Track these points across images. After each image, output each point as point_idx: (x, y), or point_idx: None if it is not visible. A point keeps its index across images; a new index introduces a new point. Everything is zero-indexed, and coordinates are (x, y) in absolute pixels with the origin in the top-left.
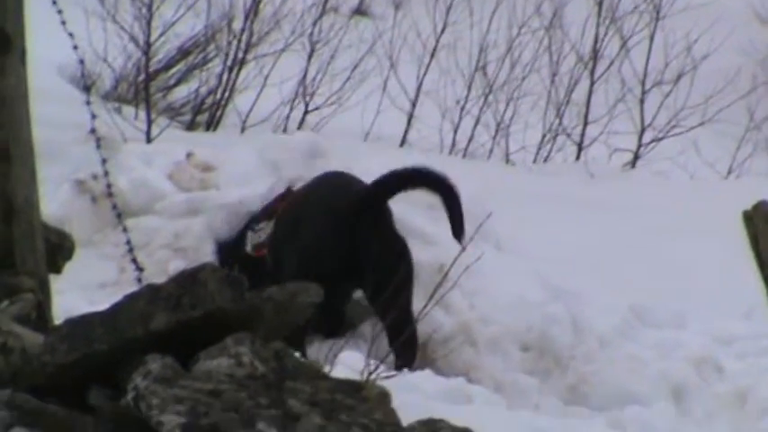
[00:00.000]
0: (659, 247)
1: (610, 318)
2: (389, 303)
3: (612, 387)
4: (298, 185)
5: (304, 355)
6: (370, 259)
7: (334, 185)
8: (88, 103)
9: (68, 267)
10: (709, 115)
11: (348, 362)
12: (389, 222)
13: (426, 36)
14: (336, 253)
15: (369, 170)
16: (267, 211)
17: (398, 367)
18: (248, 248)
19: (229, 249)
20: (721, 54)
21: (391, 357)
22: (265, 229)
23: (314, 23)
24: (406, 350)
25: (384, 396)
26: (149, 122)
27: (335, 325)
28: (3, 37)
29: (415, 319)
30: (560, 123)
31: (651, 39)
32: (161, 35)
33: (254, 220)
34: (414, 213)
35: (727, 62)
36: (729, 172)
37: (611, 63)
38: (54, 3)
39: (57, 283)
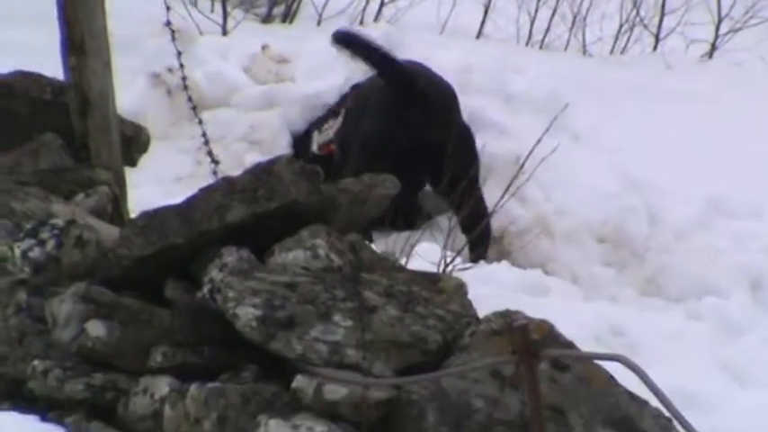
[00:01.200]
0: (737, 139)
1: (686, 209)
2: (463, 194)
3: (689, 278)
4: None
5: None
6: (442, 150)
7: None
8: None
9: (144, 160)
10: None
11: (424, 254)
12: (458, 114)
13: None
14: (402, 140)
15: (445, 62)
16: (333, 111)
17: (473, 260)
18: (314, 148)
19: (297, 149)
20: None
21: (467, 249)
22: (333, 127)
23: None
24: (480, 242)
25: (460, 287)
26: (225, 15)
27: (411, 217)
28: None
29: (488, 210)
30: (637, 14)
31: None
32: None
33: (319, 121)
34: (490, 106)
35: None
36: None
37: None
38: None
39: (132, 175)
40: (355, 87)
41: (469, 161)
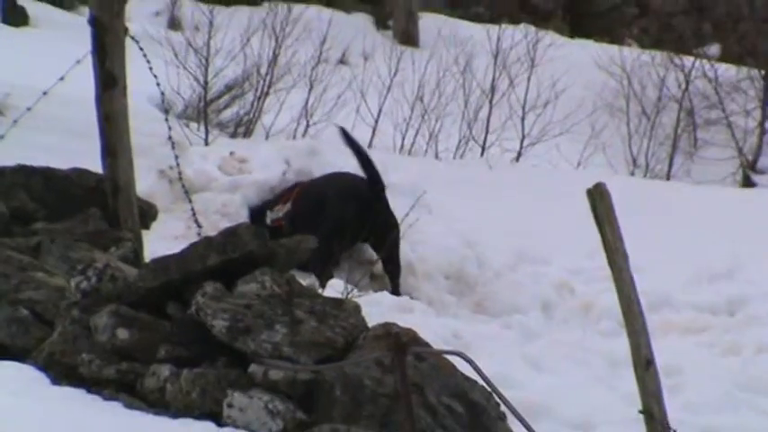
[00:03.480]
0: (535, 211)
1: (502, 257)
2: (388, 250)
3: (503, 302)
4: (302, 180)
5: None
6: (378, 225)
7: (348, 180)
8: (166, 120)
9: (154, 225)
10: (566, 128)
11: (334, 286)
12: (387, 203)
13: (384, 77)
14: (359, 223)
15: (348, 162)
16: (280, 199)
17: (394, 285)
18: (268, 221)
19: (253, 221)
20: (573, 88)
21: (363, 282)
22: (282, 209)
23: (312, 69)
24: (396, 276)
25: (357, 308)
26: (206, 132)
27: (330, 265)
28: (111, 77)
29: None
30: (471, 133)
31: (528, 79)
32: (214, 77)
33: (269, 204)
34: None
35: (577, 94)
36: (578, 164)
37: (503, 94)
38: (145, 56)
39: (146, 235)
40: (297, 185)
41: (396, 233)
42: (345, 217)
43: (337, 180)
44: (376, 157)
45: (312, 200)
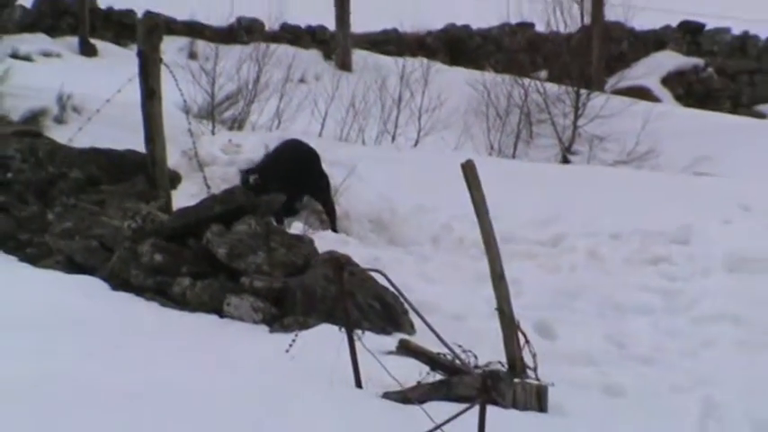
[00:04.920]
0: (428, 178)
1: (406, 208)
2: (326, 200)
3: (407, 237)
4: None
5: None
6: (318, 182)
7: (298, 147)
8: (187, 118)
9: (179, 187)
10: (447, 125)
11: (296, 227)
12: (320, 165)
13: (329, 91)
14: (302, 179)
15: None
16: (259, 165)
17: (333, 227)
18: (251, 182)
19: (242, 182)
20: (452, 99)
21: (316, 223)
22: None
23: (282, 86)
24: (333, 218)
25: (311, 241)
26: (213, 127)
27: (293, 212)
28: (152, 90)
29: (334, 207)
30: (385, 127)
31: (423, 92)
32: (218, 90)
33: (253, 170)
34: (324, 164)
35: (455, 102)
36: (455, 148)
37: (406, 102)
38: (173, 76)
39: (174, 193)
40: (267, 155)
41: (328, 188)
42: (294, 169)
43: (289, 145)
44: (323, 143)
45: (272, 158)
